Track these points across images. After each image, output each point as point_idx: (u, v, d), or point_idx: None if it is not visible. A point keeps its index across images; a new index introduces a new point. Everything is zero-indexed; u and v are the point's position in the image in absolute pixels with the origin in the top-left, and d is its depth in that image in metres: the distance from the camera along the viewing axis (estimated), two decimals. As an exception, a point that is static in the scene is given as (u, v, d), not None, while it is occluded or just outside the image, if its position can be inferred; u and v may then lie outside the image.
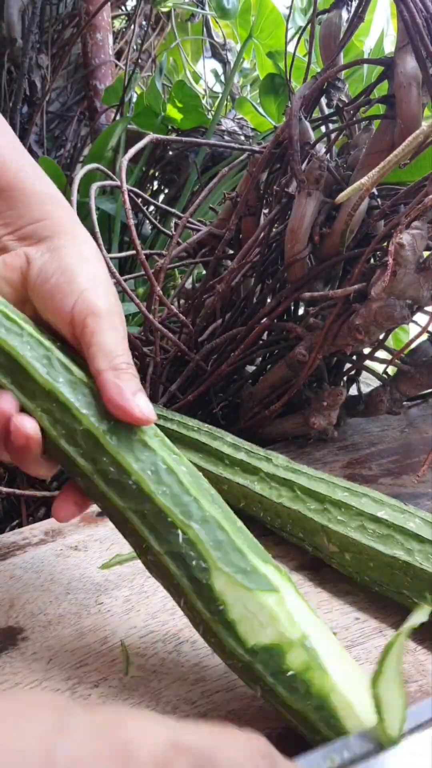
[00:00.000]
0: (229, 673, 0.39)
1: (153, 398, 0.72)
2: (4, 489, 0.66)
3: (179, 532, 0.33)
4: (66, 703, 0.22)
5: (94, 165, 0.81)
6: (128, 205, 0.66)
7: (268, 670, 0.31)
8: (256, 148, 0.71)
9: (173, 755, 0.21)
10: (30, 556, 0.50)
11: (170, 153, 1.38)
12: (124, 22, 1.85)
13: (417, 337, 0.58)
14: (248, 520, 0.52)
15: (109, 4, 1.52)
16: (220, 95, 1.37)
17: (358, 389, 0.74)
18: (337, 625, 0.43)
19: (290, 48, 0.72)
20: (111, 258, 0.75)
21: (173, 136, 1.28)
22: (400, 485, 0.59)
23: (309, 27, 0.63)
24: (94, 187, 0.76)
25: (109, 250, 1.10)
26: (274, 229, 0.66)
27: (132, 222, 0.66)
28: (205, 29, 1.63)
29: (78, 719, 0.21)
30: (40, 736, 0.20)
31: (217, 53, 1.63)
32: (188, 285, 0.80)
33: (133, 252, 0.69)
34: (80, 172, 0.74)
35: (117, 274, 0.70)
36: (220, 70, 1.69)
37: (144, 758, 0.20)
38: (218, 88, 1.68)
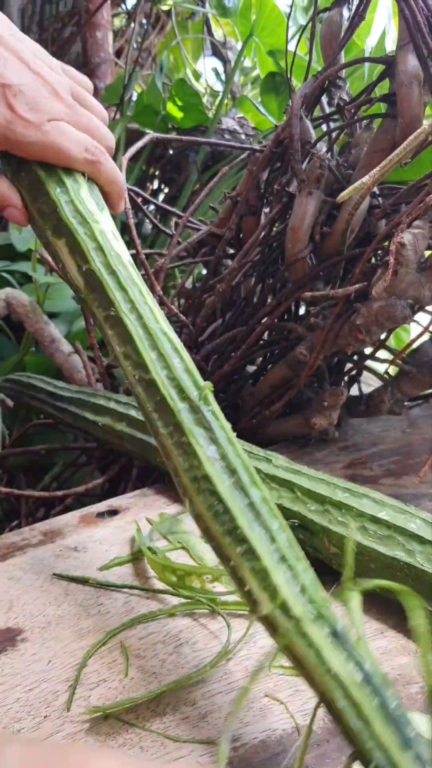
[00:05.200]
0: (229, 675, 0.39)
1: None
2: (4, 489, 0.66)
3: None
4: (7, 737, 0.20)
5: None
6: (128, 204, 0.66)
7: None
8: (257, 147, 0.71)
9: None
10: (29, 557, 0.50)
11: (170, 152, 1.38)
12: (124, 20, 1.85)
13: (418, 337, 0.58)
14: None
15: (108, 2, 1.52)
16: (221, 94, 1.37)
17: (359, 389, 0.74)
18: (337, 627, 0.43)
19: (291, 46, 0.71)
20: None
21: (173, 135, 1.27)
22: (401, 486, 0.59)
23: (310, 25, 0.62)
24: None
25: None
26: (274, 229, 0.66)
27: (132, 221, 0.66)
28: (205, 27, 1.63)
29: (13, 751, 0.20)
30: None
31: (217, 51, 1.63)
32: (188, 285, 0.80)
33: (133, 251, 0.69)
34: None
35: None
36: (220, 69, 1.68)
37: None
38: (219, 87, 1.67)
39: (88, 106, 0.48)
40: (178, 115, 1.28)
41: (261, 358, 0.72)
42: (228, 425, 0.37)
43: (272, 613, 0.31)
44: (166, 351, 0.38)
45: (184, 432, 0.35)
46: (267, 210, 0.69)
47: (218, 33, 1.64)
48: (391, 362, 0.65)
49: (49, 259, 0.69)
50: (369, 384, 0.74)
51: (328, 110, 0.65)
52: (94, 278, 0.41)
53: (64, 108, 0.45)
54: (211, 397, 0.37)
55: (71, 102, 0.46)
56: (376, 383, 0.69)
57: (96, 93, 1.70)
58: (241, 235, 0.71)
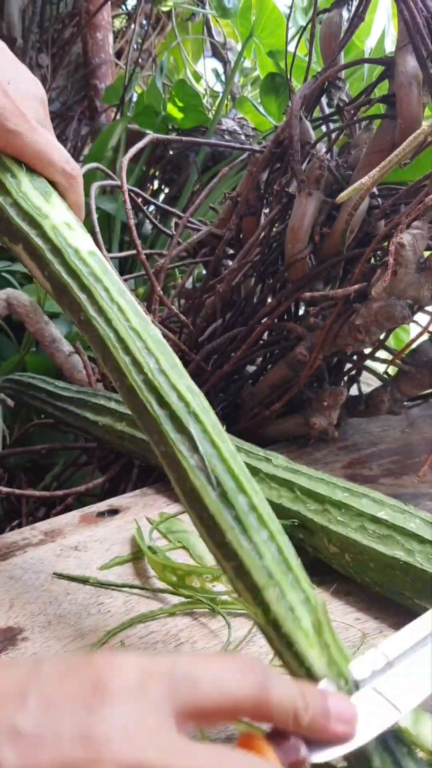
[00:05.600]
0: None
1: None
2: (4, 489, 0.66)
3: None
4: (42, 657, 0.23)
5: (95, 164, 0.81)
6: (128, 205, 0.66)
7: None
8: (257, 147, 0.71)
9: (147, 680, 0.22)
10: (30, 557, 0.50)
11: (170, 152, 1.38)
12: (125, 21, 1.85)
13: (418, 337, 0.58)
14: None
15: (109, 3, 1.52)
16: (221, 94, 1.37)
17: (359, 389, 0.74)
18: (337, 626, 0.43)
19: (291, 47, 0.71)
20: (111, 258, 0.75)
21: (173, 136, 1.28)
22: (400, 485, 0.59)
23: (310, 26, 0.62)
24: (95, 186, 0.76)
25: (109, 250, 1.10)
26: (274, 229, 0.66)
27: (132, 222, 0.66)
28: (205, 28, 1.63)
29: (50, 664, 0.22)
30: (15, 680, 0.21)
31: (217, 52, 1.63)
32: (188, 285, 0.80)
33: (134, 252, 0.69)
34: (80, 171, 0.74)
35: (117, 274, 0.70)
36: (220, 70, 1.68)
37: (116, 688, 0.21)
38: (219, 88, 1.67)
39: None
40: (179, 115, 1.28)
41: (261, 358, 0.72)
42: (213, 422, 0.35)
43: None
44: (139, 354, 0.36)
45: (167, 442, 0.34)
46: (267, 210, 0.69)
47: (218, 34, 1.64)
48: (391, 362, 0.65)
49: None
50: (368, 384, 0.75)
51: (327, 111, 0.65)
52: (58, 282, 0.39)
53: (46, 116, 0.44)
54: (190, 396, 0.35)
55: (48, 117, 0.45)
56: (376, 383, 0.69)
57: (96, 94, 1.69)
58: (241, 236, 0.71)
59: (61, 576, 0.47)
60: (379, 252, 0.61)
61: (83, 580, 0.47)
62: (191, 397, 0.35)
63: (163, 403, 0.35)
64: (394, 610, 0.44)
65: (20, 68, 0.44)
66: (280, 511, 0.49)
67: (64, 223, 0.41)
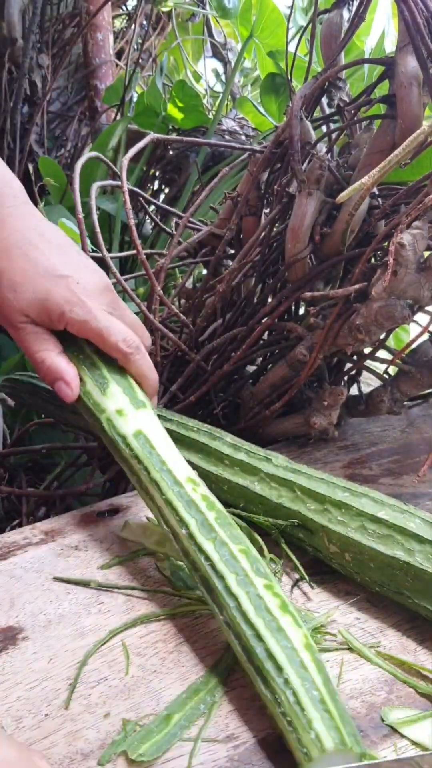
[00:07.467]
0: (229, 674, 0.39)
1: (153, 398, 0.71)
2: (5, 488, 0.66)
3: None
4: None
5: (95, 153, 0.81)
6: (129, 205, 0.66)
7: None
8: (257, 147, 0.71)
9: None
10: (30, 556, 0.50)
11: (171, 152, 1.38)
12: (125, 21, 1.85)
13: (418, 337, 0.58)
14: (248, 521, 0.52)
15: (109, 3, 1.52)
16: (221, 95, 1.37)
17: (359, 389, 0.74)
18: (338, 626, 0.43)
19: (291, 47, 0.72)
20: (111, 258, 0.75)
21: (174, 136, 1.28)
22: (400, 485, 0.59)
23: (310, 26, 0.62)
24: (95, 186, 0.76)
25: (109, 250, 1.10)
26: (274, 229, 0.66)
27: (132, 222, 0.66)
28: (205, 29, 1.63)
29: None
30: None
31: (217, 53, 1.63)
32: (189, 285, 0.80)
33: (134, 252, 0.69)
34: (80, 160, 0.73)
35: (117, 274, 0.70)
36: (220, 70, 1.69)
37: None
38: (219, 88, 1.68)
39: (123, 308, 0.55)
40: (179, 116, 1.29)
41: (261, 358, 0.72)
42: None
43: None
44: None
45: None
46: (267, 210, 0.69)
47: (218, 34, 1.64)
48: (391, 362, 0.65)
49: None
50: (369, 384, 0.75)
51: (328, 111, 0.66)
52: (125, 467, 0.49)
53: (112, 299, 0.53)
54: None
55: (117, 298, 0.54)
56: (376, 383, 0.69)
57: (97, 94, 1.69)
58: (241, 236, 0.71)
59: (61, 580, 0.47)
60: (379, 252, 0.61)
61: (83, 584, 0.47)
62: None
63: None
64: (395, 610, 0.44)
65: (87, 264, 0.53)
66: (280, 511, 0.49)
67: (115, 411, 0.49)
